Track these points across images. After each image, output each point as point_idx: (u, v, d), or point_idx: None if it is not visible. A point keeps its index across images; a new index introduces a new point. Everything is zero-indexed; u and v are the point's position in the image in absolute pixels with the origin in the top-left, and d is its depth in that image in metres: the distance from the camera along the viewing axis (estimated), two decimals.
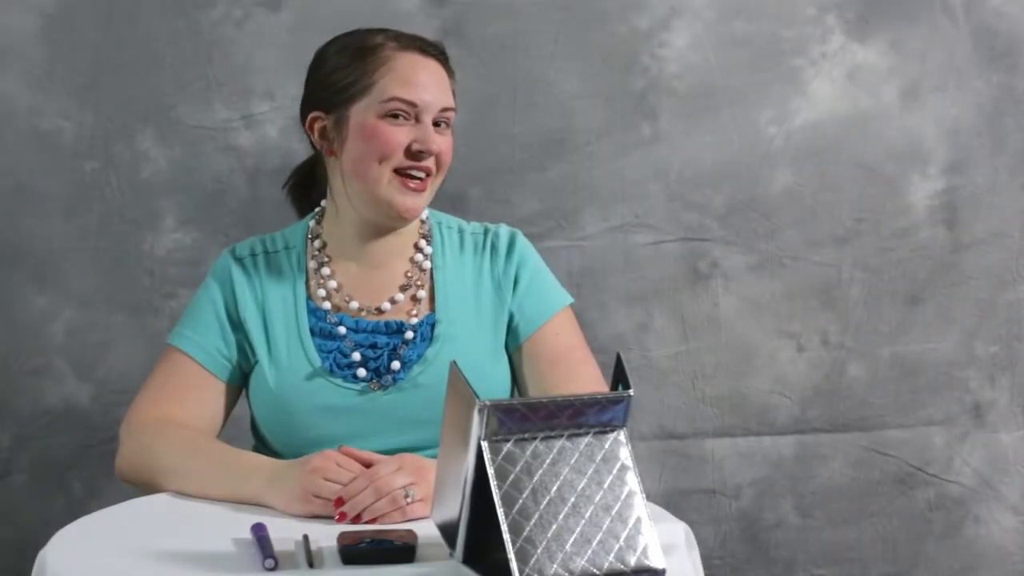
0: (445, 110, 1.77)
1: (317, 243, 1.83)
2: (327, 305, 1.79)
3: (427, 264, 1.82)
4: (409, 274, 1.81)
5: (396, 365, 1.75)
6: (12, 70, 2.22)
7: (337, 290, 1.80)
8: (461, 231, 1.87)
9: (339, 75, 1.79)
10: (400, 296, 1.79)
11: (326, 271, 1.81)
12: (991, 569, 2.48)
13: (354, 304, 1.79)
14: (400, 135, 1.74)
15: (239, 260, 1.82)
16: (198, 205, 2.27)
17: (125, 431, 1.76)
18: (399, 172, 1.75)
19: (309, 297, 1.80)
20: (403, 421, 1.73)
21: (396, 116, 1.75)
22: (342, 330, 1.77)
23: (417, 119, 1.75)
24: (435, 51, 1.80)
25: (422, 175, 1.75)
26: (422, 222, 1.86)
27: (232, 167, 2.27)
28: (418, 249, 1.82)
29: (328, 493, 1.51)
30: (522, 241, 1.86)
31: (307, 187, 1.90)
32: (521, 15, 2.32)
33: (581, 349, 1.83)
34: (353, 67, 1.78)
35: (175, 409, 1.75)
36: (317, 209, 1.86)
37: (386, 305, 1.78)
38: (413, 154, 1.75)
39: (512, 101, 2.32)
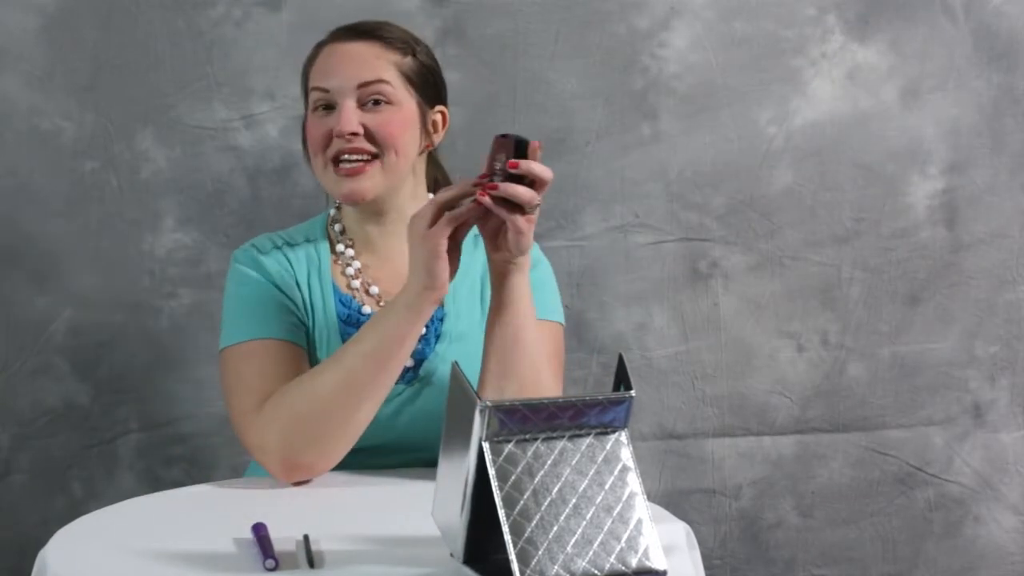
0: (366, 84, 1.76)
1: (338, 227, 1.85)
2: (356, 284, 1.80)
3: None
4: None
5: (409, 362, 1.75)
6: (12, 70, 2.22)
7: (360, 272, 1.81)
8: (477, 235, 1.86)
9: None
10: None
11: (350, 252, 1.83)
12: (991, 569, 2.48)
13: (375, 289, 1.80)
14: (320, 125, 1.77)
15: (261, 251, 1.81)
16: (198, 205, 2.27)
17: (255, 429, 1.64)
18: (335, 161, 1.76)
19: (335, 285, 1.81)
20: (413, 415, 1.74)
21: (319, 108, 1.78)
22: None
23: (333, 104, 1.77)
24: (358, 31, 1.80)
25: (354, 158, 1.75)
26: None
27: (232, 167, 2.27)
28: None
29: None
30: (539, 251, 1.87)
31: None
32: (521, 15, 2.32)
33: (555, 359, 1.80)
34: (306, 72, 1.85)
35: (277, 386, 1.67)
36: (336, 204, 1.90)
37: None
38: (337, 139, 1.76)
39: (512, 101, 2.32)
